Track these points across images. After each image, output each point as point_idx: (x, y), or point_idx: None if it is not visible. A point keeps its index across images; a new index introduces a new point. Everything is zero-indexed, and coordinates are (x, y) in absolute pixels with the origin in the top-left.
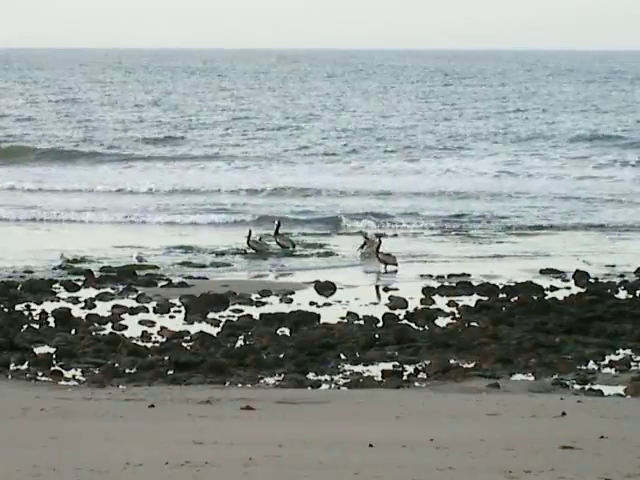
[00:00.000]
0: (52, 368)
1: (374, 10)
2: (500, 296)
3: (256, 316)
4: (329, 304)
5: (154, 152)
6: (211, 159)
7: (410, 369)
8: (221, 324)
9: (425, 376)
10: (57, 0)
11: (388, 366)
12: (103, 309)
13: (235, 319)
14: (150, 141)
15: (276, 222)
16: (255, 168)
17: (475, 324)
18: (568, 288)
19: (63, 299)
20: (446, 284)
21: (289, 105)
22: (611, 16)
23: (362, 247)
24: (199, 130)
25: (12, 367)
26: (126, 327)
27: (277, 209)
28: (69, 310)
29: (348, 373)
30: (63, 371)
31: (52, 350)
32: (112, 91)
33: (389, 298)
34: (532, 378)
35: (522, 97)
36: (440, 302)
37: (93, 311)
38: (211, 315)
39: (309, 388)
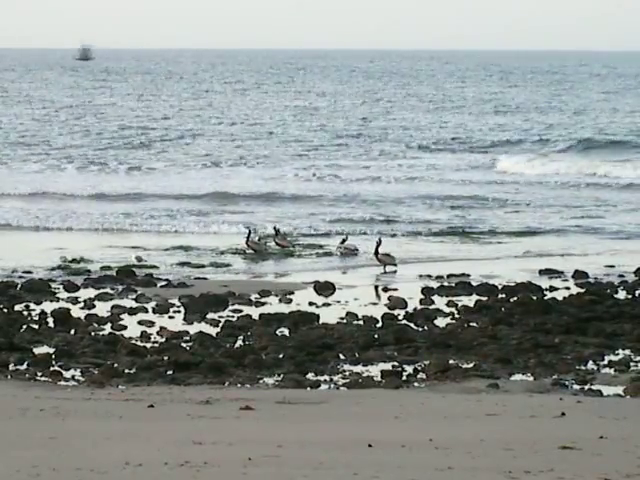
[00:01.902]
0: (51, 368)
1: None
2: (499, 296)
3: (255, 316)
4: (328, 304)
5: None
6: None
7: (409, 369)
8: (220, 324)
9: (424, 376)
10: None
11: (387, 366)
12: (102, 309)
13: (234, 319)
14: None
15: (275, 226)
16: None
17: (474, 324)
18: (567, 288)
19: (62, 299)
20: (445, 284)
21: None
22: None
23: (340, 246)
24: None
25: (11, 367)
26: (125, 327)
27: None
28: (68, 310)
29: (347, 373)
30: (62, 371)
31: (51, 350)
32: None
33: (388, 298)
34: (531, 378)
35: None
36: (439, 302)
37: (92, 311)
38: (210, 315)
39: (308, 388)
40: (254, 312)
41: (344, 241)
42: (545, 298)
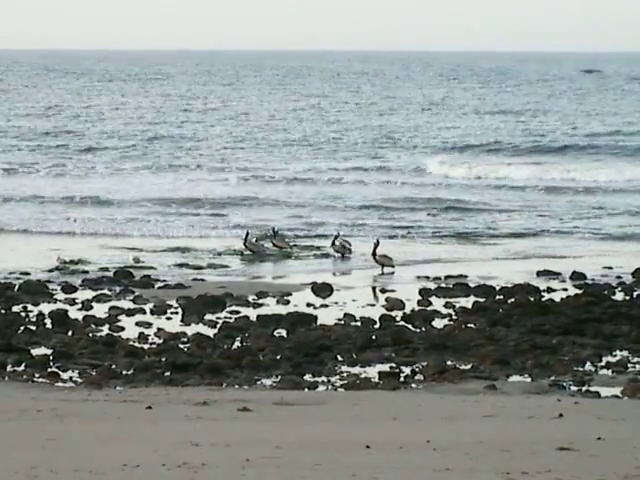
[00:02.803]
0: (49, 369)
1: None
2: (497, 297)
3: (253, 317)
4: (326, 305)
5: None
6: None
7: (407, 370)
8: (218, 325)
9: (422, 377)
10: (58, 1)
11: (385, 367)
12: (100, 310)
13: (232, 320)
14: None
15: (274, 227)
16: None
17: (472, 325)
18: (565, 289)
19: (60, 300)
20: (443, 285)
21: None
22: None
23: (333, 243)
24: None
25: (9, 368)
26: (123, 328)
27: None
28: (66, 312)
29: (345, 374)
30: (60, 372)
31: (49, 351)
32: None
33: (386, 299)
34: (529, 379)
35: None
36: (437, 303)
37: (90, 312)
38: (208, 316)
39: (306, 389)
40: (252, 313)
41: (336, 238)
42: (543, 299)
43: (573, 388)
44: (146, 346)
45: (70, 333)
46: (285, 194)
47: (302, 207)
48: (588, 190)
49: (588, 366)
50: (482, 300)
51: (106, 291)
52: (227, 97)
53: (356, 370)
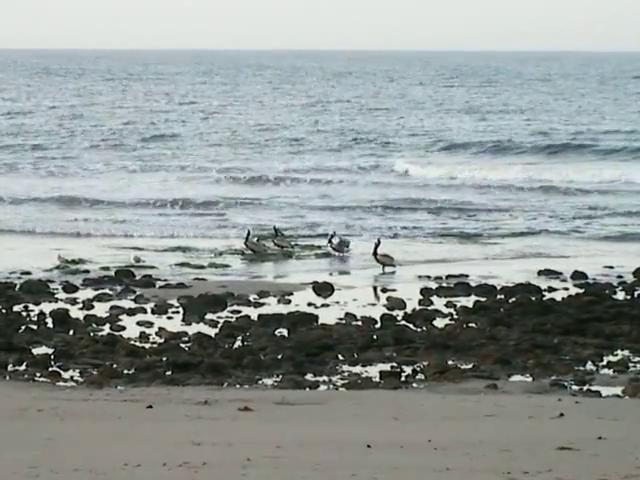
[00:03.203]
0: (50, 369)
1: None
2: (498, 297)
3: (254, 317)
4: (327, 305)
5: None
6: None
7: (408, 370)
8: (219, 325)
9: (423, 377)
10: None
11: (386, 367)
12: (101, 310)
13: (233, 320)
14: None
15: (275, 226)
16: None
17: (473, 325)
18: (566, 289)
19: (61, 300)
20: (444, 285)
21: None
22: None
23: (330, 241)
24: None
25: (10, 368)
26: (124, 328)
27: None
28: (67, 311)
29: (346, 374)
30: (61, 372)
31: (50, 351)
32: None
33: (387, 299)
34: (530, 379)
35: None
36: (438, 303)
37: (91, 312)
38: (209, 316)
39: (307, 389)
40: (253, 313)
41: (332, 237)
42: (544, 299)
43: (574, 387)
44: (147, 345)
45: (71, 332)
46: (284, 193)
47: (301, 207)
48: (588, 190)
49: (589, 365)
50: (483, 299)
51: (107, 290)
52: (227, 97)
53: (357, 369)
